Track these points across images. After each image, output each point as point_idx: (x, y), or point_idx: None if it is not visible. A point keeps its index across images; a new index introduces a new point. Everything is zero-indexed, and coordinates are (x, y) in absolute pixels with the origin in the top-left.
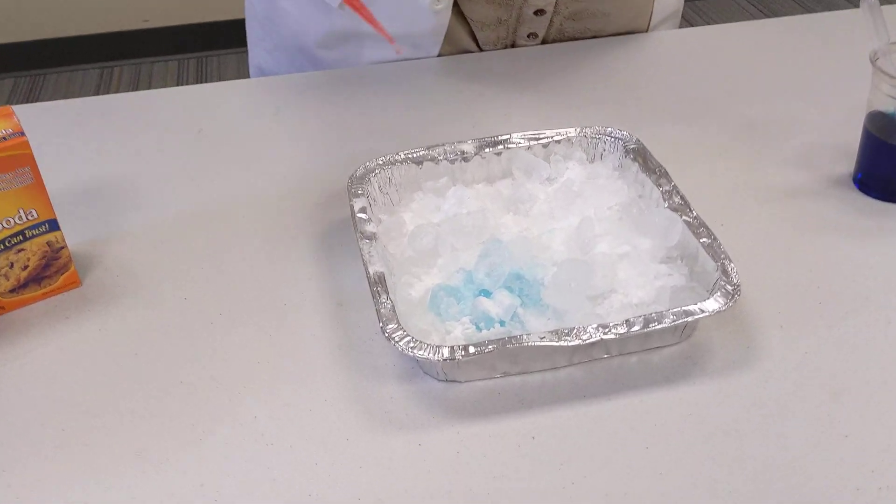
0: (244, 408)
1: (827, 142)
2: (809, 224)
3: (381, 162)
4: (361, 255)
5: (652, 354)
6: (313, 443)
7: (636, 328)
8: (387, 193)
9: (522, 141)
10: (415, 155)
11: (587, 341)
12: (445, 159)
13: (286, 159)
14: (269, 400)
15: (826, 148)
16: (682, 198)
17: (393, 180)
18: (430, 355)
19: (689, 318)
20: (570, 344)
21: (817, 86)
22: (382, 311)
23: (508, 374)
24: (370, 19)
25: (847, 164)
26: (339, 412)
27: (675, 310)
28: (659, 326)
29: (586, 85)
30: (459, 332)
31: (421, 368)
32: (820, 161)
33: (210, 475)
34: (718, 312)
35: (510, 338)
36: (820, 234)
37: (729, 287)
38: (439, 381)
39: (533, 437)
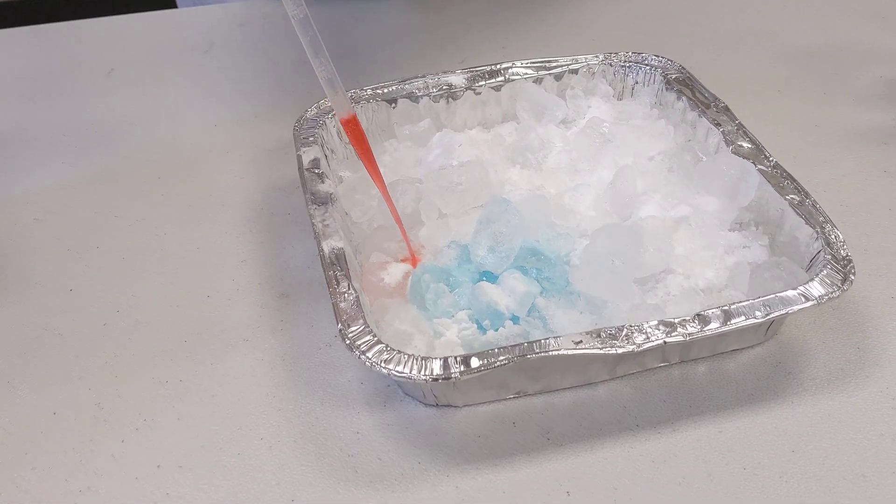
0: (142, 452)
1: None
2: None
3: None
4: (312, 225)
5: (726, 360)
6: None
7: (714, 326)
8: (348, 143)
9: (528, 71)
10: (386, 90)
11: (644, 347)
12: (427, 96)
13: (219, 105)
14: (179, 440)
15: None
16: (753, 140)
17: None
18: (414, 372)
19: (789, 311)
20: (619, 352)
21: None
22: (342, 305)
23: (525, 393)
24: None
25: None
26: (279, 458)
27: (767, 298)
28: (747, 322)
29: (604, 8)
30: (454, 333)
31: (400, 388)
32: None
33: None
34: (830, 300)
35: (530, 344)
36: None
37: (837, 263)
38: (427, 405)
39: (567, 493)
